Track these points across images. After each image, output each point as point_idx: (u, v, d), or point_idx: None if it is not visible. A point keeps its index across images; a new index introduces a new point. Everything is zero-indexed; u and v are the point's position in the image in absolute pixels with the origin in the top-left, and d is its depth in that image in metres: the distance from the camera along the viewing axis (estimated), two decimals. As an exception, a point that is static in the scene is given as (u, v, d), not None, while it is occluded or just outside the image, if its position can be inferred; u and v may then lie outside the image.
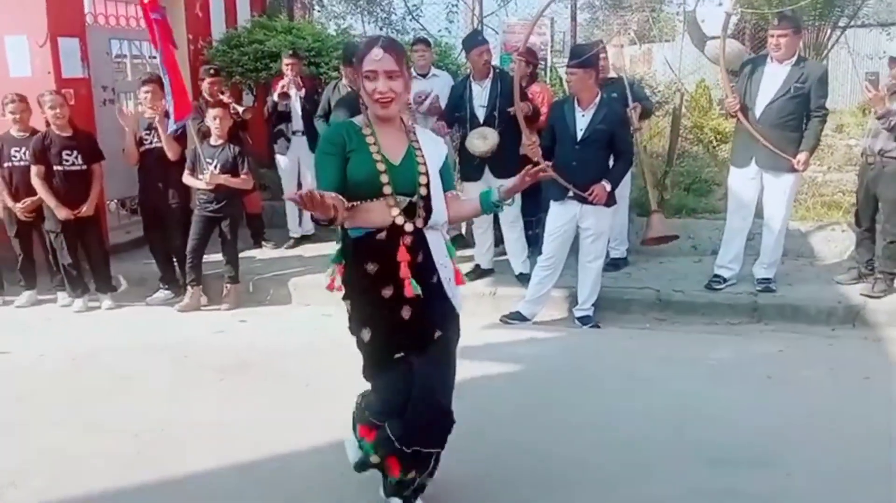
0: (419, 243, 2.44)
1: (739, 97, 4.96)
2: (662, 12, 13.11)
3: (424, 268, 2.45)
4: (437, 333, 2.49)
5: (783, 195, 4.93)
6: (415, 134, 2.53)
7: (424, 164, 2.46)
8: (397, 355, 2.49)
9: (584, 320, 4.96)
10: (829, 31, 8.72)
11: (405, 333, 2.47)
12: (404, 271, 2.38)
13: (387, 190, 2.38)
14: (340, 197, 2.24)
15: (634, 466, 3.07)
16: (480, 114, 5.30)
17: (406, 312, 2.43)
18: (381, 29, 12.14)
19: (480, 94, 5.30)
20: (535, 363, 4.25)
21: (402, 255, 2.39)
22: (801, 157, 4.77)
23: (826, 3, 8.27)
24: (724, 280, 5.14)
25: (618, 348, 4.53)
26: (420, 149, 2.49)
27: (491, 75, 5.30)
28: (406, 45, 7.09)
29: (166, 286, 5.63)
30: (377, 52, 2.35)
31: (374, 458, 2.62)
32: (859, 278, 5.08)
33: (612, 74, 5.65)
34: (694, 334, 4.78)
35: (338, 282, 2.56)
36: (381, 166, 2.39)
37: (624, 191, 5.57)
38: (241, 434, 3.43)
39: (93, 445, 3.35)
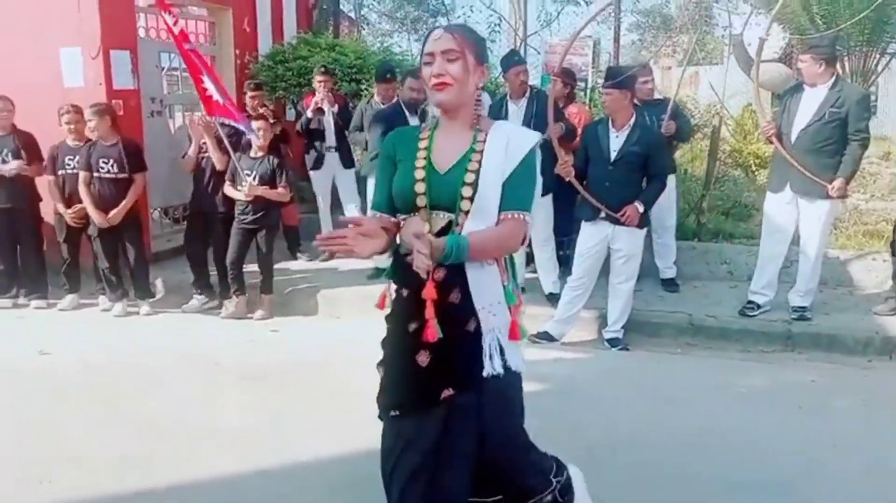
0: (454, 277, 2.01)
1: (777, 122, 4.91)
2: (709, 34, 13.04)
3: (459, 310, 2.02)
4: (446, 392, 2.02)
5: (818, 221, 4.84)
6: (486, 134, 2.06)
7: (476, 172, 2.01)
8: (393, 412, 2.11)
9: (613, 342, 4.93)
10: (877, 56, 8.56)
11: (412, 385, 2.08)
12: (429, 311, 1.97)
13: (420, 202, 2.04)
14: (376, 218, 2.05)
15: (657, 490, 3.03)
16: None
17: (423, 358, 2.03)
18: (425, 47, 12.28)
19: (516, 114, 5.34)
20: (561, 383, 4.22)
21: (428, 292, 1.96)
22: (837, 183, 4.67)
23: (874, 29, 8.13)
24: (759, 306, 5.06)
25: (646, 372, 4.48)
26: (482, 152, 2.03)
27: (527, 95, 5.34)
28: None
29: (200, 292, 5.75)
30: (437, 33, 2.07)
31: None
32: (897, 309, 4.96)
33: (658, 96, 5.64)
34: (725, 360, 4.70)
35: (388, 300, 2.19)
36: (419, 174, 2.05)
37: (669, 217, 5.59)
38: (264, 440, 3.49)
39: (121, 446, 3.44)
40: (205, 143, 5.57)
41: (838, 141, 4.72)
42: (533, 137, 2.09)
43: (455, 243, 1.92)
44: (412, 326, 2.04)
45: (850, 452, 3.36)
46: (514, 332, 2.06)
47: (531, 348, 4.85)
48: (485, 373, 2.02)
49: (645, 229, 4.77)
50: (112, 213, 5.43)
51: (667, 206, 5.47)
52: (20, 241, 5.79)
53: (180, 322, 5.53)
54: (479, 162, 2.02)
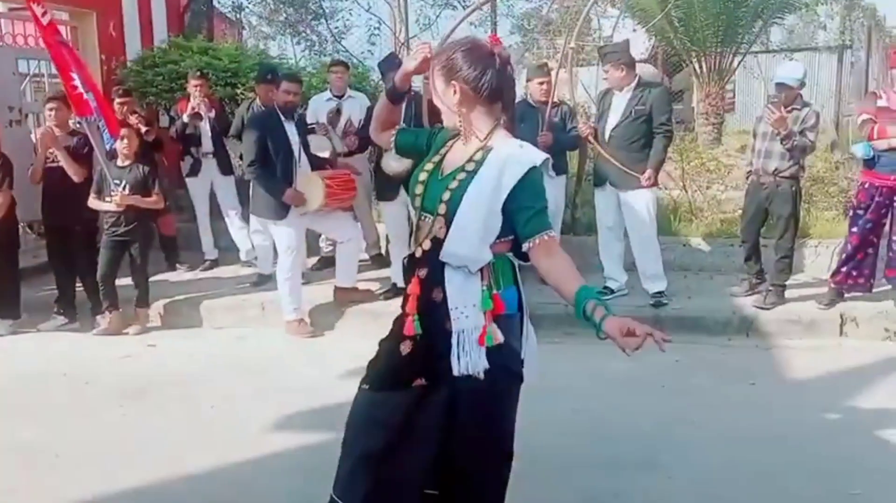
0: (435, 278, 2.07)
1: (593, 123, 5.39)
2: (589, 37, 13.60)
3: (440, 308, 2.07)
4: (419, 381, 2.13)
5: (640, 210, 5.24)
6: (487, 154, 2.07)
7: (461, 183, 2.05)
8: (365, 385, 2.23)
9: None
10: (731, 56, 9.21)
11: (390, 367, 2.19)
12: (410, 305, 2.11)
13: (416, 202, 2.16)
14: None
15: (527, 473, 3.16)
16: None
17: (405, 347, 2.14)
18: (308, 51, 12.17)
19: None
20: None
21: (412, 288, 2.11)
22: (647, 173, 5.11)
23: (727, 31, 8.74)
24: (612, 291, 5.40)
25: (525, 362, 4.64)
26: (473, 171, 2.06)
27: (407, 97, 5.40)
28: (324, 68, 7.18)
29: (61, 311, 5.46)
30: None
31: None
32: (751, 290, 5.37)
33: (555, 99, 5.80)
34: (599, 346, 4.83)
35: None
36: (423, 176, 2.16)
37: (558, 217, 5.82)
38: (138, 457, 3.39)
39: (-19, 475, 3.26)
40: (52, 154, 5.33)
41: (646, 135, 5.17)
42: (534, 159, 2.05)
43: (591, 296, 2.04)
44: (403, 319, 2.15)
45: (705, 425, 3.64)
46: (481, 338, 2.03)
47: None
48: (454, 372, 2.03)
49: None
50: None
51: (555, 209, 5.68)
52: None
53: (46, 342, 5.23)
54: (470, 176, 2.05)
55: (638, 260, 5.40)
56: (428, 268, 2.09)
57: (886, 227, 5.11)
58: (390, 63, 5.65)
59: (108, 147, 5.32)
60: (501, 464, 2.25)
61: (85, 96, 5.21)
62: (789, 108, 5.03)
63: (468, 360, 2.03)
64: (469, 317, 2.05)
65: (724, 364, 4.54)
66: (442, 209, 2.06)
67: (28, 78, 7.17)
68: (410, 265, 2.15)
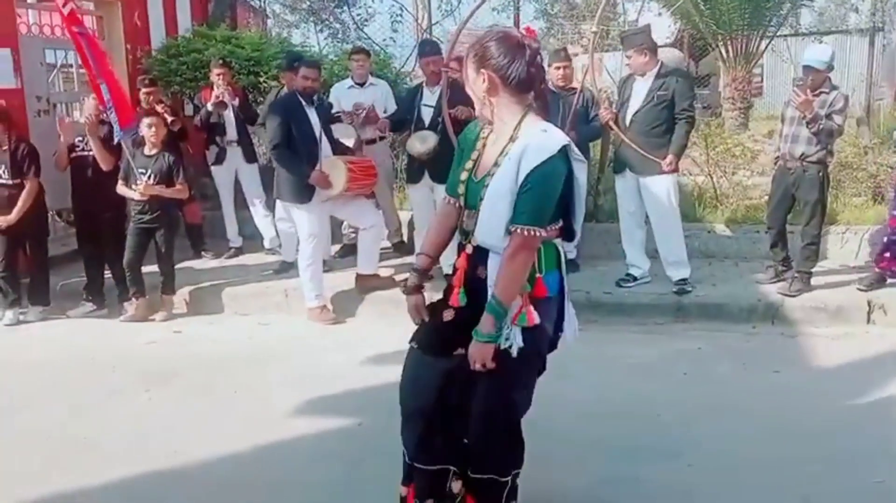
0: (480, 255, 2.28)
1: (615, 109, 5.33)
2: (614, 21, 13.46)
3: (483, 285, 2.27)
4: (459, 350, 2.30)
5: (661, 196, 5.18)
6: (512, 144, 2.20)
7: (493, 178, 2.23)
8: (413, 343, 2.44)
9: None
10: (758, 39, 9.05)
11: (434, 331, 2.39)
12: (457, 278, 2.33)
13: (461, 201, 2.35)
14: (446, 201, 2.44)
15: (548, 458, 3.17)
16: (427, 118, 5.43)
17: (447, 314, 2.35)
18: (331, 38, 12.19)
19: (430, 99, 5.46)
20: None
21: (460, 261, 2.34)
22: (668, 158, 5.06)
23: (754, 13, 8.58)
24: (635, 278, 5.38)
25: (547, 349, 4.63)
26: (500, 165, 2.21)
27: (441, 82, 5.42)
28: (346, 55, 7.19)
29: (90, 298, 5.56)
30: None
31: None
32: (776, 277, 5.29)
33: (575, 84, 5.77)
34: (621, 333, 4.91)
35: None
36: (463, 175, 2.32)
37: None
38: (162, 442, 3.45)
39: (10, 456, 3.35)
40: (81, 142, 5.41)
41: (667, 121, 5.12)
42: (551, 146, 2.15)
43: (493, 311, 2.19)
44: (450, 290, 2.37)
45: (727, 414, 3.60)
46: (515, 317, 2.21)
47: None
48: (502, 348, 2.22)
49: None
50: (4, 218, 5.23)
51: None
52: None
53: (76, 328, 5.34)
54: (501, 163, 2.19)
55: (660, 246, 5.35)
56: (474, 247, 2.29)
57: None
58: (423, 49, 5.80)
59: (116, 139, 5.34)
60: (510, 438, 2.40)
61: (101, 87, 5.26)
62: (817, 92, 4.93)
63: (502, 337, 2.21)
64: None
65: (749, 352, 4.49)
66: (481, 205, 2.24)
67: (57, 69, 7.26)
68: (462, 241, 2.35)
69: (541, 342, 2.31)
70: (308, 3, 13.22)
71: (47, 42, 6.89)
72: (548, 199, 2.19)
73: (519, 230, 2.16)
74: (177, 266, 5.69)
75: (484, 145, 2.30)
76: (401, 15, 10.27)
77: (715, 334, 4.83)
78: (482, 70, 2.17)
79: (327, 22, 12.00)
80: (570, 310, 2.46)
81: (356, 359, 4.46)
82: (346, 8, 11.28)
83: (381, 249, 5.87)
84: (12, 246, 5.36)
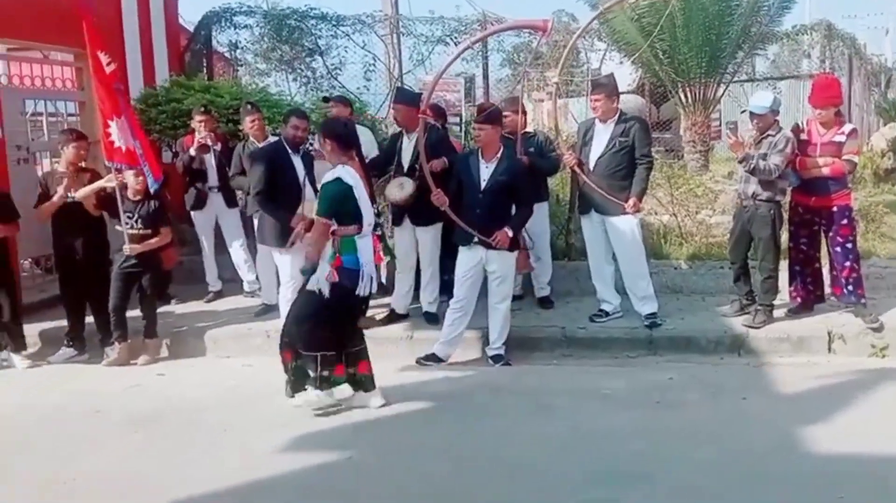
0: None
1: (577, 153, 5.57)
2: (578, 69, 13.95)
3: None
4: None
5: (625, 236, 5.44)
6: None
7: None
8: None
9: (495, 359, 5.22)
10: (715, 86, 9.49)
11: None
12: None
13: None
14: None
15: (527, 486, 3.32)
16: (406, 164, 5.63)
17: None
18: (303, 87, 12.42)
19: (408, 147, 5.64)
20: (448, 400, 4.47)
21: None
22: (631, 201, 5.34)
23: (710, 61, 9.03)
24: (607, 313, 5.60)
25: (525, 383, 4.80)
26: None
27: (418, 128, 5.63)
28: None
29: (71, 343, 5.60)
30: None
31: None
32: (741, 310, 5.54)
33: (529, 129, 6.03)
34: (595, 367, 5.11)
35: None
36: None
37: (544, 240, 5.98)
38: (148, 483, 3.51)
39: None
40: (70, 190, 5.53)
41: (628, 166, 5.40)
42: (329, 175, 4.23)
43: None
44: None
45: (697, 438, 3.79)
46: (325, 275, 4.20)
47: (419, 370, 5.10)
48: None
49: (516, 252, 5.12)
50: None
51: (541, 231, 5.87)
52: None
53: (58, 374, 5.36)
54: None
55: (627, 283, 5.59)
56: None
57: (824, 249, 5.43)
58: (402, 97, 5.97)
59: (153, 190, 5.59)
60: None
61: (117, 144, 5.43)
62: (765, 134, 5.26)
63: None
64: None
65: (717, 381, 4.69)
66: None
67: (27, 117, 7.35)
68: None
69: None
70: (280, 52, 13.49)
71: (26, 93, 7.00)
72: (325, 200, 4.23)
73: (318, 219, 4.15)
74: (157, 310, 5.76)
75: None
76: (374, 64, 10.56)
77: (685, 365, 5.04)
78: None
79: (300, 70, 12.24)
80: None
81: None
82: (318, 57, 11.55)
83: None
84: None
